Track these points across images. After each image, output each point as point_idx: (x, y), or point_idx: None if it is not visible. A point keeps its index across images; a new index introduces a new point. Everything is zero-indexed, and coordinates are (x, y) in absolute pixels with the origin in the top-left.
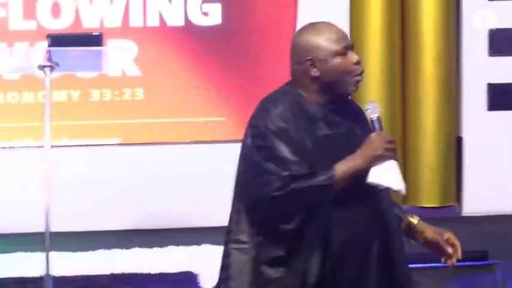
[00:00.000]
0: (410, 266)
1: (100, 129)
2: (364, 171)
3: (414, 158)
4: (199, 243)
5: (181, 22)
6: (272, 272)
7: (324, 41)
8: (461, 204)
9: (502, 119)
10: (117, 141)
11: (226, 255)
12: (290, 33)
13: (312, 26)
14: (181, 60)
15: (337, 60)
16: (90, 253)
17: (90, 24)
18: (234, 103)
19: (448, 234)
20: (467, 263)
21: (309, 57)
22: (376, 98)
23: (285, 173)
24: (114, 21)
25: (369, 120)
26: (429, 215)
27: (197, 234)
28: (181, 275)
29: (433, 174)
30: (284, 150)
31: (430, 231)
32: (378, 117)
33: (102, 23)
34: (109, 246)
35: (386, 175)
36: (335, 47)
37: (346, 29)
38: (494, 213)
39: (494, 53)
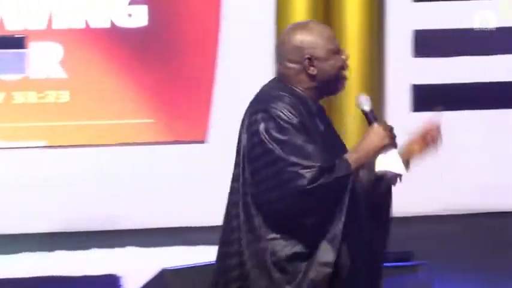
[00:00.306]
0: None
1: (25, 131)
2: (370, 161)
3: None
4: (123, 246)
5: (106, 24)
6: (293, 268)
7: (321, 40)
8: None
9: (425, 120)
10: (43, 143)
11: (237, 254)
12: (215, 33)
13: (303, 26)
14: (107, 62)
15: (334, 58)
16: (13, 256)
17: (13, 26)
18: (161, 105)
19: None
20: (392, 264)
21: (307, 56)
22: None
23: (315, 166)
24: (38, 23)
25: (361, 111)
26: None
27: (121, 237)
28: (105, 277)
29: None
30: (306, 143)
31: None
32: (371, 109)
33: (26, 26)
34: (33, 248)
35: (391, 162)
36: (331, 45)
37: (271, 28)
38: (419, 214)
39: (418, 54)
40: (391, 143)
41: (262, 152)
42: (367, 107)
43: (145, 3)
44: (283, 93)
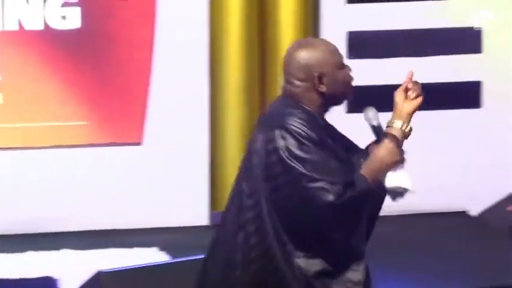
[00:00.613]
0: None
1: None
2: (382, 177)
3: None
4: (58, 248)
5: (40, 26)
6: (321, 285)
7: (328, 56)
8: None
9: (360, 122)
10: None
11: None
12: (150, 36)
13: (308, 43)
14: (41, 64)
15: (341, 72)
16: None
17: None
18: (96, 107)
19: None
20: None
21: (316, 74)
22: (235, 103)
23: (339, 181)
24: None
25: (370, 126)
26: None
27: (56, 239)
28: (41, 280)
29: None
30: (327, 159)
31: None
32: (379, 123)
33: None
34: None
35: (402, 178)
36: (337, 59)
37: (205, 32)
38: None
39: (352, 56)
40: (402, 159)
41: (282, 170)
42: (375, 122)
43: (78, 5)
44: (296, 110)
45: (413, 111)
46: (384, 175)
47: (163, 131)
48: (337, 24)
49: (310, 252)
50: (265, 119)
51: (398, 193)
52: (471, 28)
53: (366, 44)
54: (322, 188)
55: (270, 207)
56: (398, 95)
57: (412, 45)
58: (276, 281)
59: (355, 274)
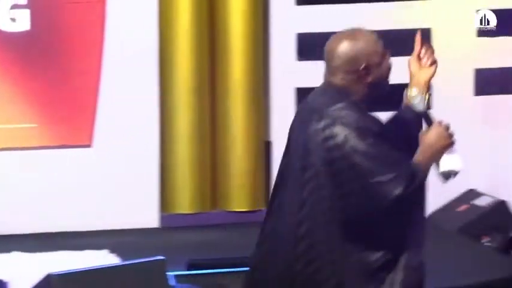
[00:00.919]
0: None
1: None
2: (436, 162)
3: (224, 163)
4: (8, 251)
5: None
6: (385, 276)
7: (372, 46)
8: None
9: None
10: None
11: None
12: (100, 38)
13: (351, 35)
14: None
15: (385, 60)
16: None
17: None
18: (45, 109)
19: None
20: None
21: (364, 65)
22: (184, 102)
23: (404, 173)
24: None
25: (417, 111)
26: (239, 220)
27: (6, 242)
28: None
29: (242, 179)
30: (390, 150)
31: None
32: (426, 108)
33: None
34: None
35: (455, 161)
36: (380, 48)
37: (154, 33)
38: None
39: (302, 57)
40: (452, 142)
41: (346, 165)
42: (422, 107)
43: (27, 8)
44: (348, 104)
45: (430, 79)
46: (437, 160)
47: (114, 133)
48: (286, 26)
49: (373, 245)
50: (316, 112)
51: (450, 175)
52: (421, 30)
53: (315, 46)
54: (389, 183)
55: (332, 203)
56: (413, 65)
57: None
58: (337, 278)
59: (414, 260)
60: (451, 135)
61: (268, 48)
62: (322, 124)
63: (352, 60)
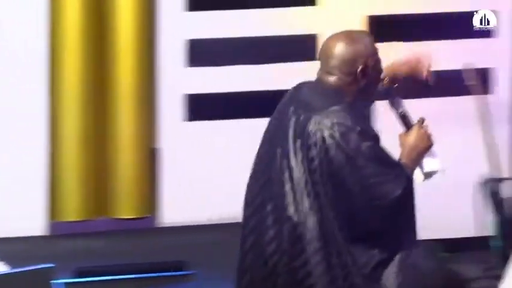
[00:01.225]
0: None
1: None
2: (418, 163)
3: (111, 170)
4: None
5: None
6: (379, 275)
7: (369, 48)
8: (157, 215)
9: (199, 129)
10: None
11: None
12: None
13: (349, 36)
14: None
15: (377, 61)
16: None
17: None
18: None
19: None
20: (163, 274)
21: (361, 66)
22: (71, 108)
23: (401, 174)
24: None
25: (398, 114)
26: (126, 227)
27: None
28: None
29: (129, 186)
30: (387, 152)
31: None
32: (405, 110)
33: None
34: None
35: (436, 162)
36: (376, 50)
37: (43, 32)
38: (191, 224)
39: (191, 64)
40: (432, 143)
41: (346, 166)
42: (401, 110)
43: None
44: (345, 106)
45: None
46: (419, 161)
47: None
48: (176, 32)
49: (368, 244)
50: (315, 112)
51: (431, 175)
52: (310, 36)
53: (205, 52)
54: (389, 184)
55: (331, 204)
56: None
57: (252, 52)
58: (331, 276)
59: (409, 259)
60: (430, 137)
61: (156, 54)
62: (322, 124)
63: (350, 62)
